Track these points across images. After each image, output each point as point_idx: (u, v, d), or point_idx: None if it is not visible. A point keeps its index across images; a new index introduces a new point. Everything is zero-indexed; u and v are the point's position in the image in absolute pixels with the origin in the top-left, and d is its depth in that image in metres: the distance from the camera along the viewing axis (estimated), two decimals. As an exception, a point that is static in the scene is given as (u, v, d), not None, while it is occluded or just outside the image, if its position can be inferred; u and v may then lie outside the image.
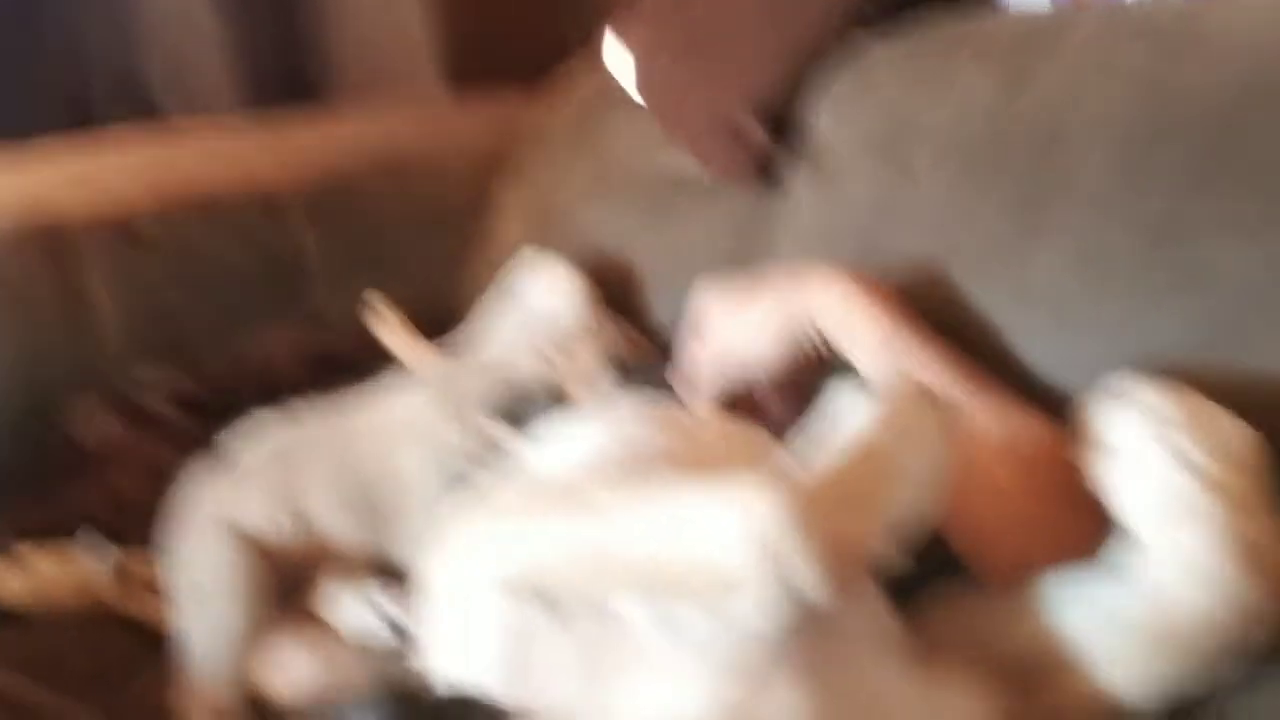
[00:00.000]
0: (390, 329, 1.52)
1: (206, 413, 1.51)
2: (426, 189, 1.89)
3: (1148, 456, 0.60)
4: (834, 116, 1.24)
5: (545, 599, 0.60)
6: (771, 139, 1.31)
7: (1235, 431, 0.61)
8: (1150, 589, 0.57)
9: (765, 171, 1.34)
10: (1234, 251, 0.76)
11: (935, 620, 0.66)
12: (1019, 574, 0.68)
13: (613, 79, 1.59)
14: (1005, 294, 0.92)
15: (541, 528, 0.61)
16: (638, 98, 1.54)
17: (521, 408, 1.03)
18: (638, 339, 1.24)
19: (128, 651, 1.14)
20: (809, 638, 0.56)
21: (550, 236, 1.58)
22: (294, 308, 1.76)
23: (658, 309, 1.40)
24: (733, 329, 0.96)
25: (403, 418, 1.14)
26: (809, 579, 0.50)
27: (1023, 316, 0.90)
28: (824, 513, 0.52)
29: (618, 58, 1.58)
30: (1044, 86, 0.96)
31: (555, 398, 1.03)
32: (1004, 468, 0.78)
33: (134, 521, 1.26)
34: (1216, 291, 0.76)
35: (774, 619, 0.53)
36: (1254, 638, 0.55)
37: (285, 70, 2.15)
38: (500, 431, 1.04)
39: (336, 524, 1.13)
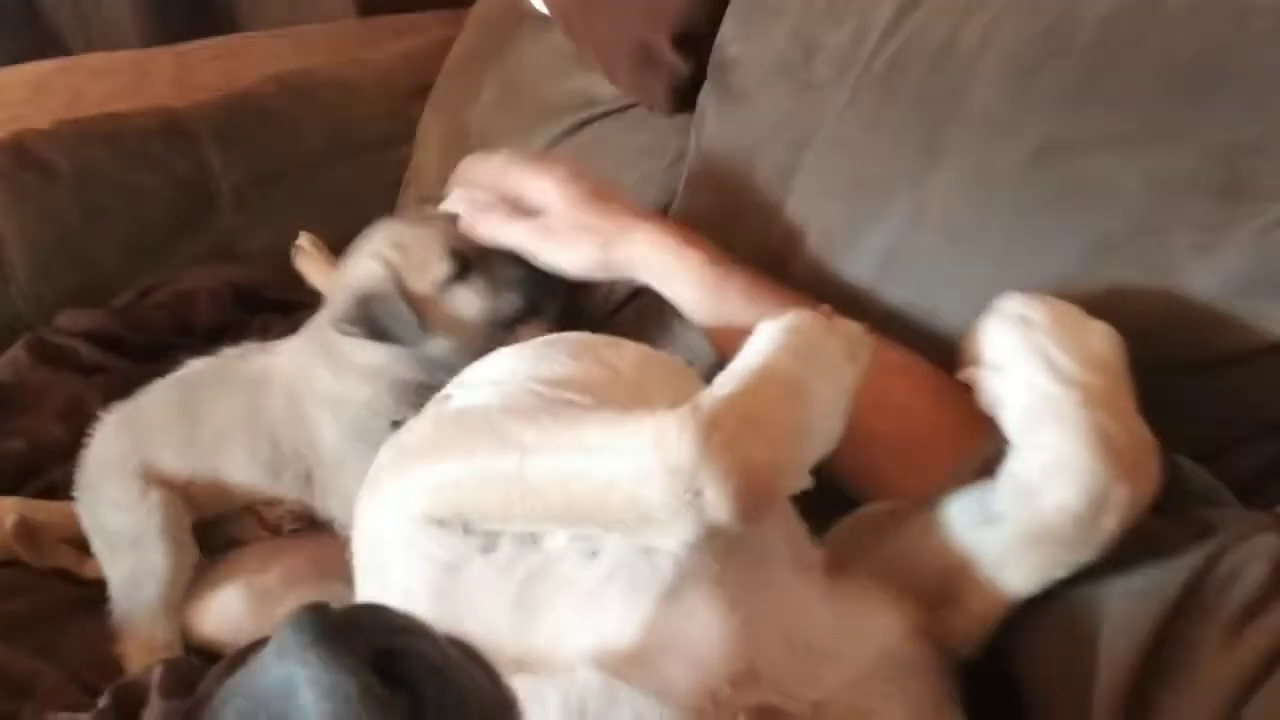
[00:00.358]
0: (315, 265, 1.45)
1: (123, 351, 1.50)
2: (340, 114, 1.85)
3: (1014, 363, 0.62)
4: (743, 36, 1.23)
5: (472, 529, 0.62)
6: (685, 62, 1.31)
7: (1097, 333, 0.63)
8: (1020, 489, 0.59)
9: (679, 95, 1.34)
10: (1114, 168, 0.77)
11: (845, 541, 0.68)
12: (923, 490, 0.70)
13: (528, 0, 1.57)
14: (905, 216, 0.92)
15: (461, 464, 0.62)
16: (542, 7, 1.52)
17: (375, 314, 1.01)
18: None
19: (57, 600, 1.13)
20: (726, 558, 0.58)
21: (466, 162, 1.57)
22: (203, 233, 1.73)
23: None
24: (547, 249, 0.97)
25: (288, 367, 1.12)
26: (722, 503, 0.51)
27: (921, 237, 0.90)
28: (733, 436, 0.52)
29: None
30: (934, 6, 0.97)
31: (403, 295, 1.00)
32: (899, 387, 0.81)
33: (50, 464, 1.26)
34: (1098, 208, 0.77)
35: (690, 544, 0.55)
36: (1117, 525, 0.57)
37: (191, 4, 2.07)
38: (359, 343, 1.03)
39: (247, 478, 1.12)
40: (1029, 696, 0.66)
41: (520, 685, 0.50)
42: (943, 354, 0.85)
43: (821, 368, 0.59)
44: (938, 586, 0.62)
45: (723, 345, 0.92)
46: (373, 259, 1.04)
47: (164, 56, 1.92)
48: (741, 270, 0.92)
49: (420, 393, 1.03)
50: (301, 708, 0.32)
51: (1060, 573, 0.59)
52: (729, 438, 0.52)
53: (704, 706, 0.52)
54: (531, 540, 0.61)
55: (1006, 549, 0.60)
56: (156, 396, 1.18)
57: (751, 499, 0.52)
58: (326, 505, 1.10)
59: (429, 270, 1.02)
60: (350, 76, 1.90)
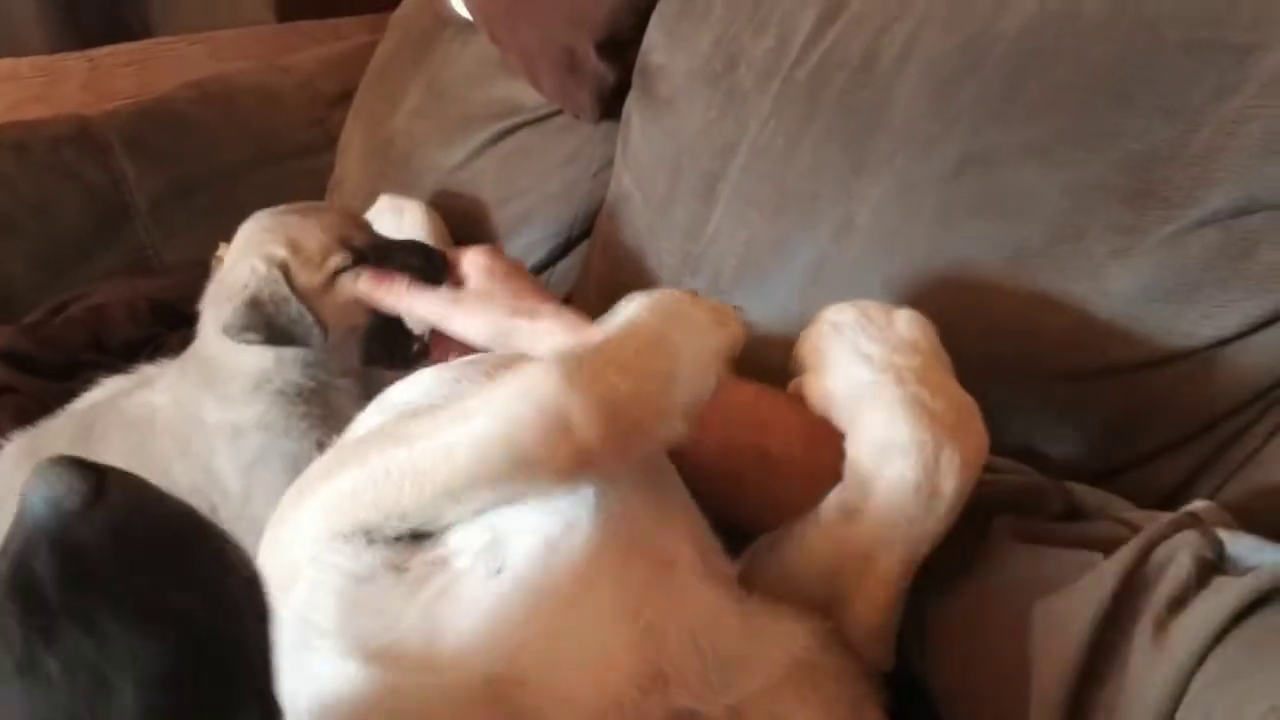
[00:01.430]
0: None
1: (36, 369, 1.45)
2: (260, 121, 1.82)
3: (833, 363, 0.65)
4: (668, 44, 1.22)
5: (375, 537, 0.61)
6: (610, 69, 1.30)
7: (902, 319, 0.66)
8: (861, 476, 0.61)
9: (604, 102, 1.33)
10: (1033, 177, 0.77)
11: (752, 561, 0.68)
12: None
13: (450, 4, 1.55)
14: (832, 228, 0.92)
15: (356, 471, 0.62)
16: (465, 13, 1.50)
17: (270, 315, 0.97)
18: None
19: None
20: (626, 562, 0.58)
21: (388, 171, 1.55)
22: (118, 245, 1.68)
23: (502, 239, 1.38)
24: (453, 317, 0.93)
25: (169, 405, 1.07)
26: (590, 427, 0.54)
27: (848, 248, 0.91)
28: (597, 371, 0.56)
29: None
30: (855, 16, 0.97)
31: (294, 293, 0.97)
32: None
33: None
34: (1019, 217, 0.78)
35: (571, 478, 0.57)
36: (955, 490, 0.59)
37: (101, 6, 2.01)
38: (239, 353, 1.00)
39: None
40: (952, 707, 0.67)
41: (422, 697, 0.52)
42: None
43: (686, 327, 0.62)
44: (827, 591, 0.64)
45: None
46: (258, 259, 0.99)
47: (74, 62, 1.87)
48: None
49: (307, 399, 1.02)
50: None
51: (922, 548, 0.60)
52: (593, 373, 0.56)
53: (608, 713, 0.52)
54: (441, 561, 0.60)
55: (868, 538, 0.61)
56: (56, 429, 1.13)
57: (617, 425, 0.55)
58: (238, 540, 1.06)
59: (323, 263, 0.99)
60: (269, 83, 1.86)
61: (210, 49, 1.99)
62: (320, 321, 0.98)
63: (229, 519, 1.03)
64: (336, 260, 0.99)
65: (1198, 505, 0.62)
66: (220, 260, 1.13)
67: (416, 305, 0.95)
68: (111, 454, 1.06)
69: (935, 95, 0.86)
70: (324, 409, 1.04)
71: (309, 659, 0.58)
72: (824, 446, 0.66)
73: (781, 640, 0.59)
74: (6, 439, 1.14)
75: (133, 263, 1.70)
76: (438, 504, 0.60)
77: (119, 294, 1.59)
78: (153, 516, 0.42)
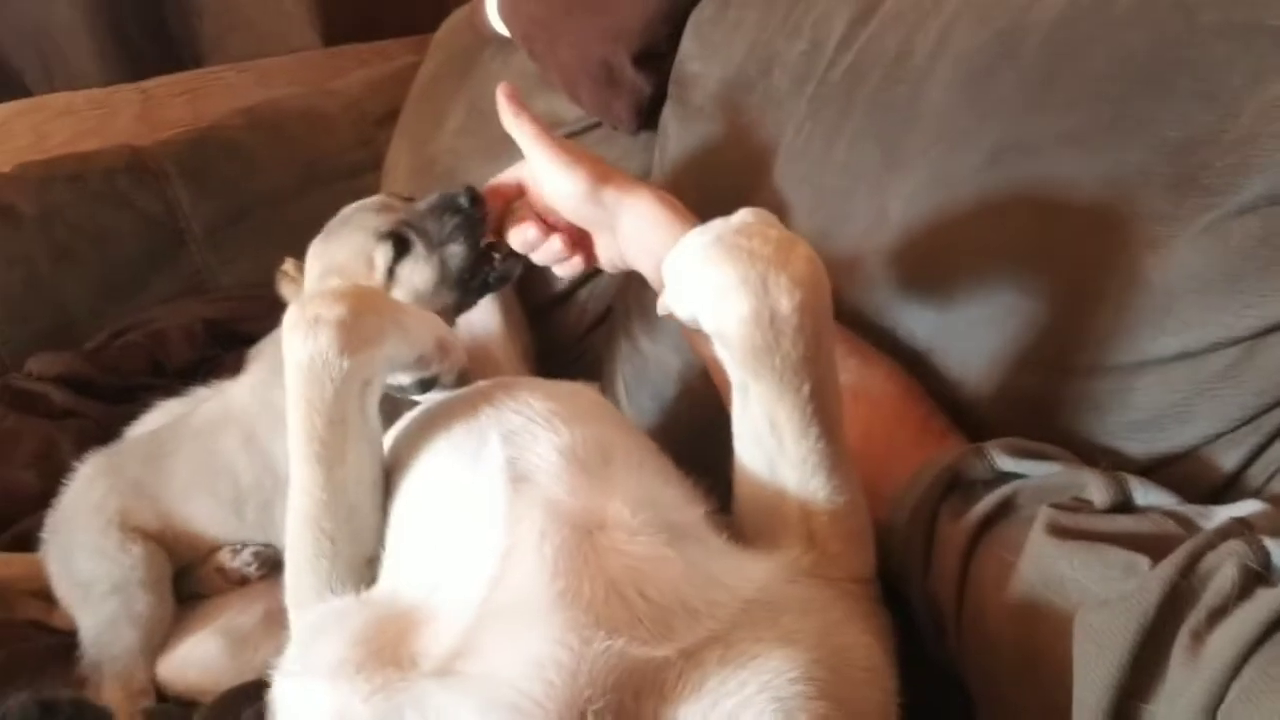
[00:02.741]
0: (299, 291, 1.44)
1: (96, 393, 1.49)
2: (308, 145, 1.85)
3: (676, 260, 0.69)
4: (702, 53, 1.23)
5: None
6: (647, 80, 1.31)
7: (738, 213, 0.70)
8: (717, 335, 0.66)
9: (642, 113, 1.34)
10: (1070, 167, 0.76)
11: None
12: (880, 488, 0.74)
13: (490, 23, 1.56)
14: (867, 223, 0.92)
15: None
16: (505, 31, 1.52)
17: None
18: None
19: (33, 649, 1.11)
20: (547, 540, 0.61)
21: (434, 188, 1.55)
22: (174, 270, 1.73)
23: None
24: (555, 157, 0.98)
25: (245, 399, 1.12)
26: (327, 325, 0.70)
27: (882, 244, 0.89)
28: (332, 298, 0.72)
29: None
30: (888, 15, 0.97)
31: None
32: (876, 382, 0.85)
33: (23, 513, 1.24)
34: (1056, 207, 0.77)
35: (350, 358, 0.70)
36: (795, 310, 0.62)
37: (153, 38, 2.06)
38: None
39: (215, 521, 1.12)
40: (991, 706, 0.66)
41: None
42: (908, 358, 0.86)
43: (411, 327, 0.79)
44: (772, 493, 0.67)
45: (698, 341, 0.92)
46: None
47: (128, 94, 1.92)
48: None
49: None
50: None
51: (799, 379, 0.63)
52: (327, 299, 0.72)
53: (553, 670, 0.54)
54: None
55: (760, 400, 0.65)
56: (130, 450, 1.18)
57: (343, 328, 0.70)
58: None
59: (373, 264, 1.01)
60: (317, 107, 1.89)
61: (259, 76, 2.03)
62: None
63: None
64: (387, 252, 1.01)
65: (1250, 507, 0.61)
66: (286, 274, 1.17)
67: (524, 126, 0.98)
68: (181, 463, 1.13)
69: (969, 88, 0.85)
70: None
71: None
72: None
73: (731, 583, 0.61)
74: (78, 462, 1.17)
75: (189, 287, 1.74)
76: (320, 479, 0.71)
77: (176, 318, 1.63)
78: None
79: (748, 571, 0.62)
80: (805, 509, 0.66)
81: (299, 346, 0.70)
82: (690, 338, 0.98)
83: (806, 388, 0.63)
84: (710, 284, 0.64)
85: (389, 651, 0.59)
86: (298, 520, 0.73)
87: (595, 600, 0.57)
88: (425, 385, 0.84)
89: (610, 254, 1.01)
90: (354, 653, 0.59)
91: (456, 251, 1.01)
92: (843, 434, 0.67)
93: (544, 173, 0.97)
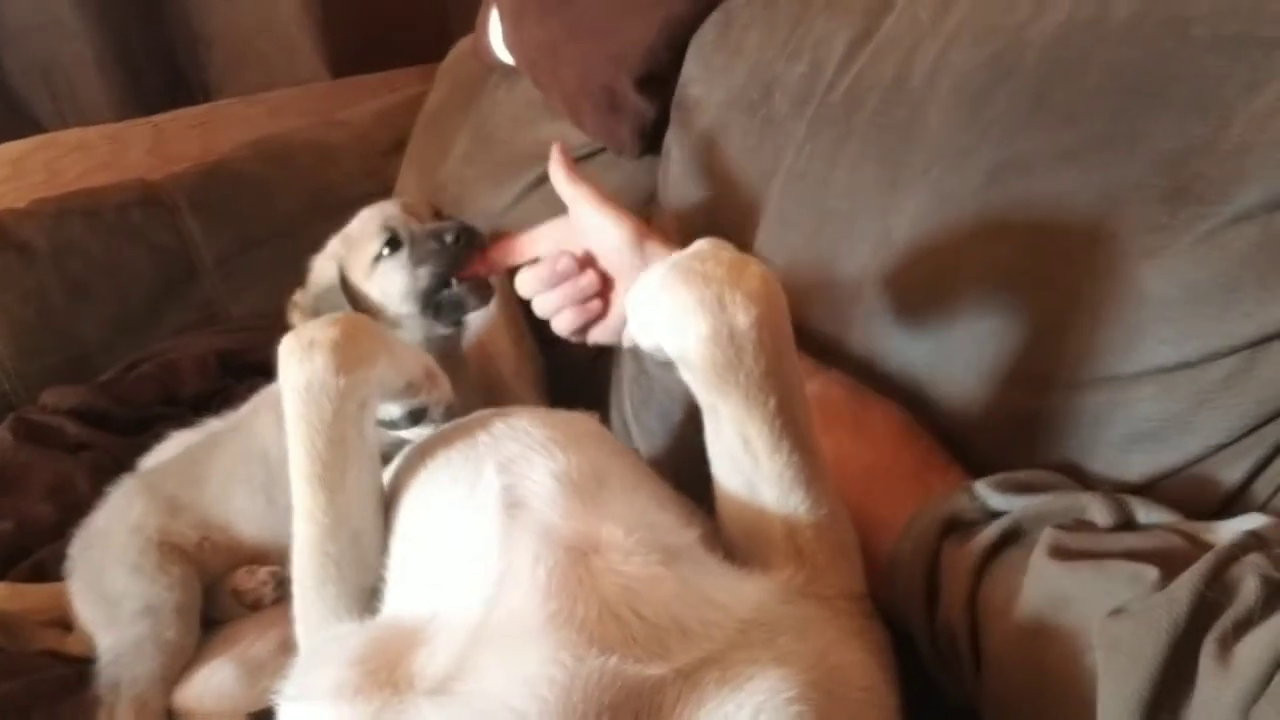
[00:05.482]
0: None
1: (110, 426, 1.50)
2: (318, 175, 1.87)
3: (637, 292, 0.70)
4: (704, 77, 1.24)
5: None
6: (650, 105, 1.32)
7: (696, 243, 0.70)
8: (680, 359, 0.66)
9: (645, 137, 1.35)
10: (1068, 183, 0.77)
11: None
12: (879, 518, 0.75)
13: (494, 51, 1.58)
14: (871, 245, 0.92)
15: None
16: (508, 58, 1.53)
17: (321, 308, 1.09)
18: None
19: (49, 680, 1.11)
20: (540, 564, 0.61)
21: (447, 215, 1.57)
22: (187, 302, 1.74)
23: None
24: (602, 205, 1.03)
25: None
26: (321, 347, 0.72)
27: (887, 265, 0.90)
28: (324, 324, 0.74)
29: (493, 20, 1.58)
30: (886, 38, 0.98)
31: (344, 286, 1.11)
32: (875, 419, 0.85)
33: (38, 544, 1.25)
34: (1055, 223, 0.77)
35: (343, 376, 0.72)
36: (752, 324, 0.63)
37: (162, 71, 2.09)
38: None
39: (250, 517, 1.14)
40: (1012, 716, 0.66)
41: None
42: (909, 381, 0.86)
43: (400, 354, 0.82)
44: (753, 510, 0.67)
45: None
46: (328, 257, 1.15)
47: (140, 129, 1.94)
48: None
49: None
50: None
51: (764, 394, 0.64)
52: (320, 324, 0.75)
53: (546, 687, 0.54)
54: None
55: (729, 420, 0.65)
56: (164, 469, 1.22)
57: (337, 349, 0.72)
58: None
59: (365, 250, 1.11)
60: (326, 138, 1.91)
61: (269, 109, 2.05)
62: (357, 305, 1.10)
63: None
64: (376, 245, 1.11)
65: (1255, 521, 0.61)
66: (295, 304, 1.23)
67: (572, 183, 1.05)
68: (216, 460, 1.18)
69: (967, 108, 0.86)
70: None
71: None
72: None
73: (726, 603, 0.61)
74: (93, 494, 1.19)
75: (201, 319, 1.76)
76: (322, 503, 0.73)
77: (189, 349, 1.64)
78: None
79: (743, 591, 0.62)
80: (789, 524, 0.66)
81: (295, 371, 0.72)
82: None
83: (773, 401, 0.64)
84: (668, 309, 0.66)
85: (385, 673, 0.60)
86: (304, 547, 0.74)
87: (589, 620, 0.58)
88: (415, 417, 0.86)
89: None
90: (352, 674, 0.60)
91: (425, 273, 1.09)
92: (816, 446, 0.67)
93: (592, 222, 1.02)
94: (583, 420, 0.85)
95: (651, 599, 0.60)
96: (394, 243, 1.10)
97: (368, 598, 0.74)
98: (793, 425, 0.65)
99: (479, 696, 0.55)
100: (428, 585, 0.69)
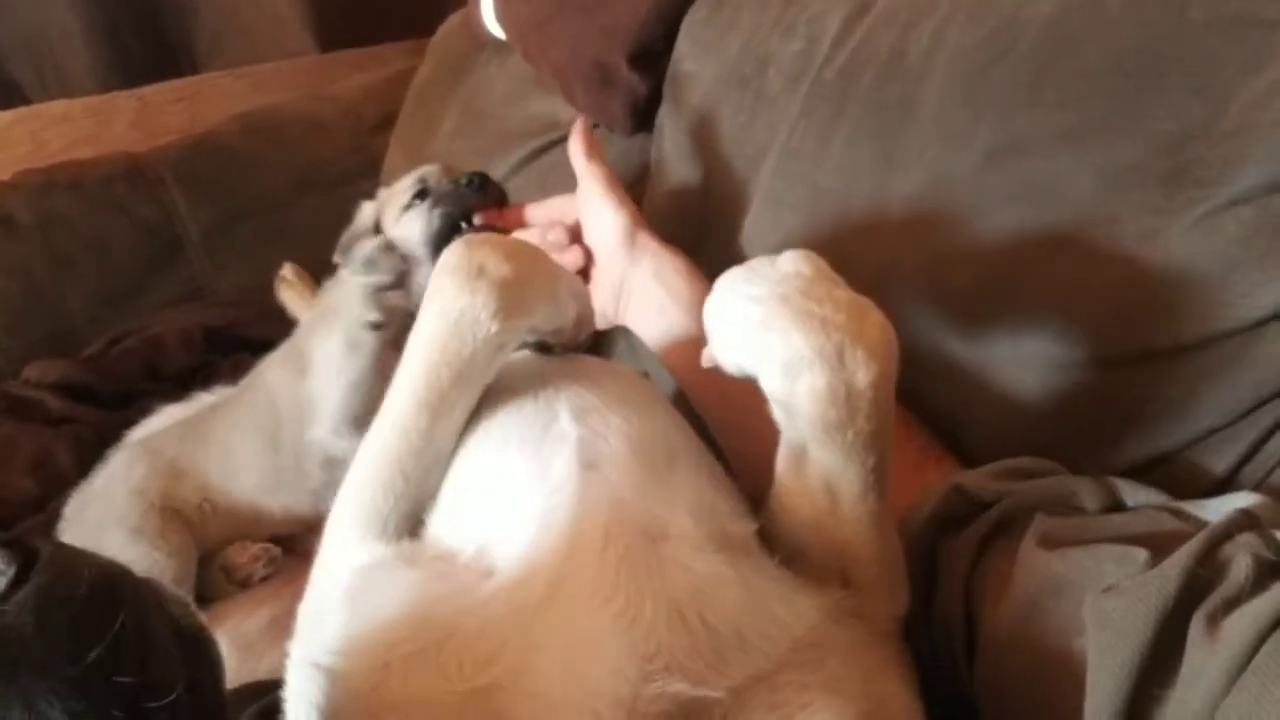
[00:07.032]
0: (297, 295, 1.44)
1: (94, 400, 1.49)
2: (305, 150, 1.85)
3: (728, 319, 0.65)
4: (697, 52, 1.23)
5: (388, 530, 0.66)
6: (643, 81, 1.31)
7: (787, 258, 0.66)
8: (785, 406, 0.61)
9: (638, 114, 1.34)
10: (1065, 163, 0.76)
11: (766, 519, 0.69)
12: None
13: (486, 26, 1.56)
14: (865, 223, 0.92)
15: (361, 469, 0.69)
16: (500, 32, 1.52)
17: (349, 248, 1.19)
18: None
19: None
20: (611, 544, 0.58)
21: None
22: (172, 276, 1.73)
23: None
24: (602, 191, 1.04)
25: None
26: (494, 276, 0.67)
27: (882, 244, 0.89)
28: (491, 249, 0.69)
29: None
30: (882, 13, 0.97)
31: (376, 232, 1.21)
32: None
33: (20, 517, 1.24)
34: (1052, 203, 0.77)
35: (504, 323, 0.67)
36: (871, 383, 0.58)
37: (149, 45, 2.07)
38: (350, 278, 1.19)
39: (254, 470, 1.16)
40: (1007, 704, 0.66)
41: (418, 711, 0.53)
42: (904, 365, 0.86)
43: (562, 301, 0.76)
44: (822, 541, 0.63)
45: (685, 377, 0.93)
46: (371, 205, 1.25)
47: (125, 101, 1.91)
48: None
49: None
50: None
51: (870, 455, 0.60)
52: (498, 251, 0.68)
53: (597, 712, 0.51)
54: (446, 557, 0.62)
55: (818, 465, 0.61)
56: (166, 432, 1.23)
57: (504, 291, 0.67)
58: (312, 437, 1.18)
59: (398, 200, 1.20)
60: (313, 112, 1.89)
61: (255, 82, 2.03)
62: (390, 254, 1.18)
63: (312, 401, 1.19)
64: (407, 197, 1.20)
65: (1248, 499, 0.61)
66: (285, 280, 1.32)
67: (576, 161, 1.06)
68: (223, 418, 1.23)
69: (964, 87, 0.85)
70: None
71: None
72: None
73: (784, 618, 0.58)
74: (66, 468, 1.18)
75: (186, 293, 1.74)
76: (422, 426, 0.67)
77: (173, 324, 1.63)
78: (77, 588, 0.42)
79: (798, 606, 0.59)
80: (849, 551, 0.63)
81: (452, 297, 0.66)
82: (676, 369, 0.96)
83: (872, 461, 0.60)
84: (777, 351, 0.60)
85: (433, 653, 0.56)
86: (380, 455, 0.68)
87: (656, 624, 0.54)
88: (542, 347, 0.81)
89: (601, 301, 1.02)
90: (400, 648, 0.57)
91: (438, 214, 1.18)
92: (890, 485, 0.63)
93: (594, 203, 1.03)
94: (643, 380, 0.81)
95: (718, 604, 0.56)
96: (423, 194, 1.19)
97: (414, 523, 0.69)
98: (883, 480, 0.62)
99: (532, 700, 0.52)
100: (484, 531, 0.63)
